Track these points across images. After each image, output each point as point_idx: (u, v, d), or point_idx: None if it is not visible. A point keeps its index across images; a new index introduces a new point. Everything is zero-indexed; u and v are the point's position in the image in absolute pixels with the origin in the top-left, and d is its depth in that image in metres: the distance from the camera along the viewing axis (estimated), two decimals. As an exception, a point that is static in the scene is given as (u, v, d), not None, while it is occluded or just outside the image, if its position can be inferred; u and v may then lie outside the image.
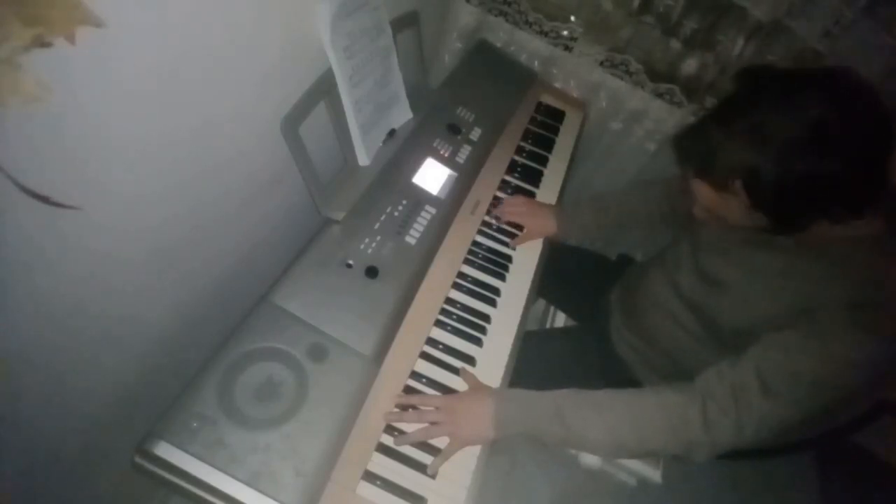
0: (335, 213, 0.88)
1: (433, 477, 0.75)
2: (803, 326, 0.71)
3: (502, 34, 1.47)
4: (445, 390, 0.84)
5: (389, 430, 0.78)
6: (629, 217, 1.13)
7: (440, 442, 0.79)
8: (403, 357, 0.84)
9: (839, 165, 0.62)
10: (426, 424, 0.77)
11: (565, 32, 1.44)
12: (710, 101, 1.42)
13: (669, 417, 0.74)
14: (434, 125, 1.11)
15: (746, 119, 0.65)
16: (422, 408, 0.79)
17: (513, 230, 1.10)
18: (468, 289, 0.98)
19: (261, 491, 0.62)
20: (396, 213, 0.94)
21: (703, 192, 0.73)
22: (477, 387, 0.84)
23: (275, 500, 0.62)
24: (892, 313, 0.68)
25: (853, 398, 0.71)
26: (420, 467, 0.76)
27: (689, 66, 1.41)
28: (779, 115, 0.63)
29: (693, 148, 0.71)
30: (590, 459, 1.08)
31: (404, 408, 0.79)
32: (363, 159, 0.96)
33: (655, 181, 1.14)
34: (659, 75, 1.43)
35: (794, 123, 0.62)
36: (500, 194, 1.15)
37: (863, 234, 0.71)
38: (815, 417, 0.72)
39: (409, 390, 0.82)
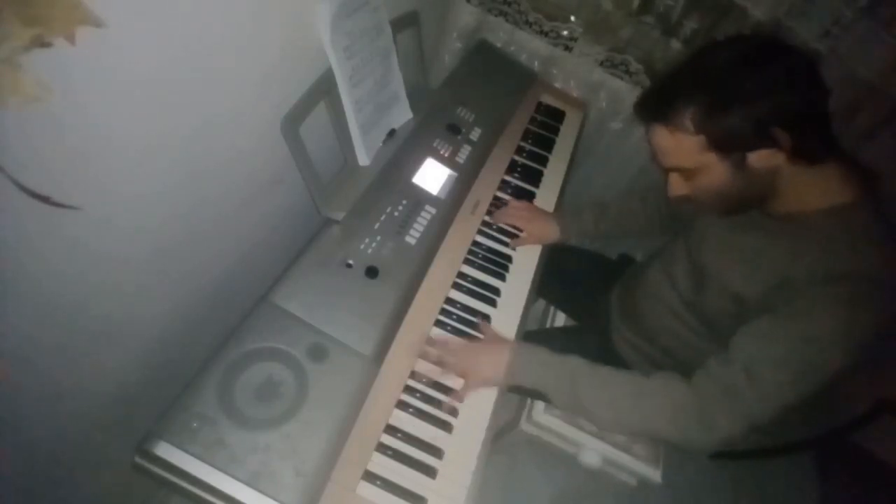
0: (335, 213, 0.88)
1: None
2: (782, 307, 0.72)
3: (502, 34, 1.47)
4: (446, 390, 0.84)
5: (389, 430, 0.78)
6: (630, 222, 1.14)
7: (440, 443, 0.79)
8: (403, 357, 0.84)
9: (768, 86, 0.68)
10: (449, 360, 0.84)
11: (565, 32, 1.44)
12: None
13: (671, 408, 0.78)
14: (434, 125, 1.11)
15: (688, 63, 0.75)
16: (444, 349, 0.86)
17: (513, 230, 1.10)
18: (468, 289, 0.98)
19: (261, 491, 0.62)
20: (396, 213, 0.94)
21: (659, 141, 0.77)
22: (495, 336, 0.91)
23: (275, 500, 0.62)
24: (870, 283, 0.69)
25: (846, 376, 0.71)
26: (420, 467, 0.76)
27: (689, 66, 1.41)
28: (713, 53, 0.72)
29: (647, 99, 0.79)
30: (590, 459, 1.09)
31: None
32: (363, 159, 0.96)
33: (656, 187, 1.14)
34: (659, 75, 1.43)
35: (725, 54, 0.71)
36: (500, 194, 1.15)
37: (837, 205, 0.73)
38: (813, 404, 0.73)
39: (409, 390, 0.82)
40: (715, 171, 0.74)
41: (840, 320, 0.69)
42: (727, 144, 0.72)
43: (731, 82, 0.69)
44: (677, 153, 0.75)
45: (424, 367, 0.86)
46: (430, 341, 0.87)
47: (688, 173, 0.77)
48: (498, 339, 0.91)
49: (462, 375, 0.85)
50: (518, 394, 1.11)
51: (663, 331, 0.96)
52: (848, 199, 0.73)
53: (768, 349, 0.72)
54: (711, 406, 0.75)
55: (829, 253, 0.71)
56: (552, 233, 1.11)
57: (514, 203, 1.12)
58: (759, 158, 0.71)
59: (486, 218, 1.10)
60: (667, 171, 0.80)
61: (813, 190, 0.74)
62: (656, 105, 0.76)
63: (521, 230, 1.10)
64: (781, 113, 0.68)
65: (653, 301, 0.98)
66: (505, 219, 1.09)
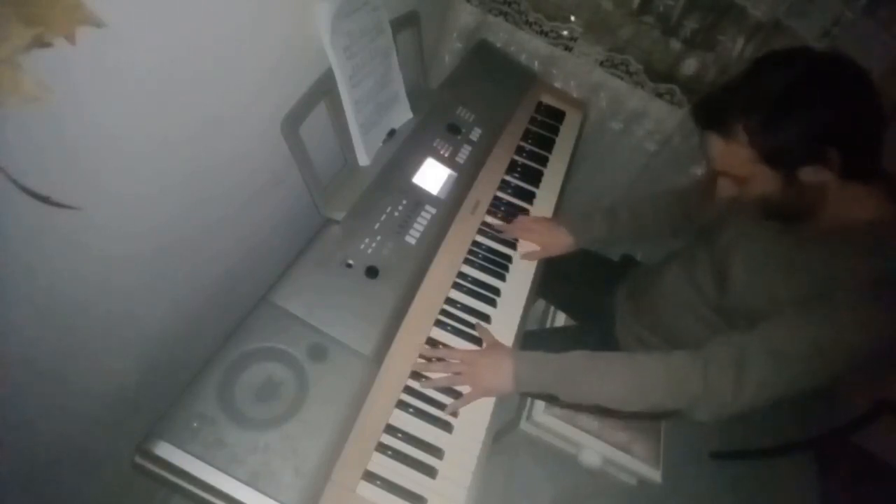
0: (335, 213, 0.88)
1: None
2: (818, 301, 0.74)
3: (502, 34, 1.47)
4: (446, 390, 0.84)
5: (389, 430, 0.78)
6: (642, 227, 1.14)
7: (440, 443, 0.79)
8: (403, 357, 0.84)
9: (826, 107, 0.69)
10: (450, 374, 0.84)
11: (565, 32, 1.44)
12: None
13: (672, 374, 0.80)
14: (434, 125, 1.11)
15: (747, 75, 0.75)
16: (447, 359, 0.86)
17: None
18: (468, 289, 0.98)
19: (261, 491, 0.62)
20: (396, 213, 0.94)
21: (713, 147, 0.78)
22: (495, 344, 0.91)
23: (275, 500, 0.62)
24: None
25: (852, 397, 0.72)
26: (420, 467, 0.76)
27: (689, 66, 1.41)
28: (772, 70, 0.73)
29: (706, 106, 0.79)
30: (590, 459, 1.09)
31: (429, 360, 0.86)
32: (363, 159, 0.96)
33: (666, 192, 1.15)
34: (659, 75, 1.43)
35: (785, 73, 0.72)
36: (500, 194, 1.15)
37: (873, 218, 0.74)
38: (812, 404, 0.74)
39: (409, 390, 0.82)
40: (764, 181, 0.75)
41: (877, 318, 0.70)
42: (778, 159, 0.73)
43: (786, 100, 0.70)
44: (729, 161, 0.77)
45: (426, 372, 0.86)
46: (429, 352, 0.87)
47: (737, 179, 0.78)
48: (498, 347, 0.91)
49: (464, 385, 0.85)
50: (522, 395, 1.11)
51: (683, 329, 0.97)
52: (883, 214, 0.74)
53: (795, 328, 0.74)
54: (717, 371, 0.76)
55: (875, 256, 0.72)
56: (566, 243, 1.11)
57: (523, 218, 1.11)
58: (808, 173, 0.72)
59: (486, 218, 1.10)
60: (717, 174, 0.81)
61: (859, 204, 0.75)
62: (713, 114, 0.77)
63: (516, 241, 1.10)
64: (833, 132, 0.69)
65: (672, 304, 0.98)
66: (516, 235, 1.09)
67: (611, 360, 0.85)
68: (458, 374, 0.85)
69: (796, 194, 0.75)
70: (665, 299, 1.00)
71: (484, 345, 0.92)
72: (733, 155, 0.75)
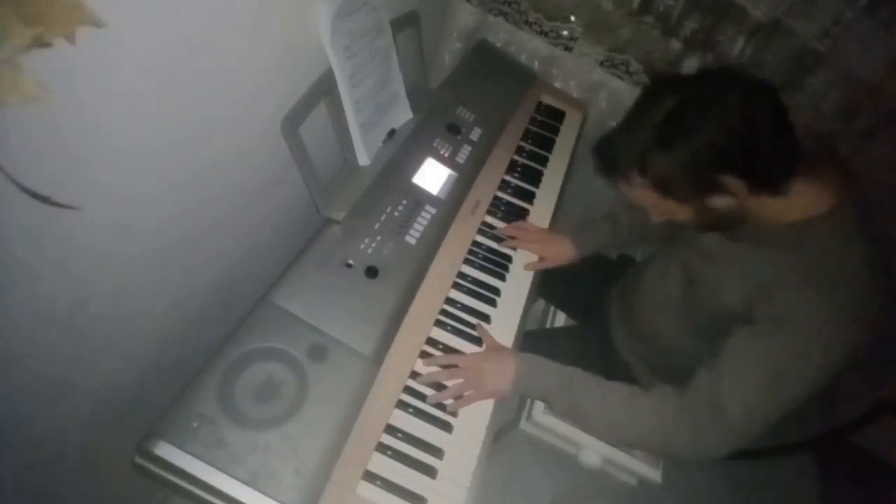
0: (335, 213, 0.88)
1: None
2: (762, 316, 0.73)
3: (502, 34, 1.47)
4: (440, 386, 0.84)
5: (389, 430, 0.78)
6: (642, 231, 1.14)
7: (440, 443, 0.79)
8: (403, 357, 0.84)
9: (705, 138, 0.68)
10: (457, 380, 0.84)
11: (565, 32, 1.44)
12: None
13: (662, 423, 0.79)
14: (434, 125, 1.11)
15: (630, 118, 0.76)
16: (449, 365, 0.86)
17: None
18: (468, 289, 0.98)
19: (261, 491, 0.62)
20: (396, 213, 0.94)
21: (621, 190, 0.80)
22: (495, 346, 0.91)
23: (275, 500, 0.62)
24: (851, 290, 0.69)
25: (852, 397, 0.72)
26: (420, 467, 0.76)
27: (689, 66, 1.41)
28: (648, 107, 0.73)
29: (598, 154, 0.81)
30: (590, 459, 1.08)
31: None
32: (363, 159, 0.96)
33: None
34: (659, 75, 1.43)
35: (659, 110, 0.71)
36: (500, 194, 1.15)
37: (812, 215, 0.73)
38: (813, 415, 0.73)
39: (409, 390, 0.82)
40: (679, 211, 0.78)
41: (819, 327, 0.69)
42: (680, 195, 0.74)
43: (670, 140, 0.70)
44: (640, 199, 0.79)
45: (425, 368, 0.86)
46: (430, 360, 0.86)
47: (655, 211, 0.80)
48: (499, 349, 0.91)
49: (468, 389, 0.85)
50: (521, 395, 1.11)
51: (657, 333, 0.96)
52: (823, 209, 0.73)
53: (752, 368, 0.72)
54: (703, 426, 0.75)
55: (809, 261, 0.71)
56: (570, 253, 1.10)
57: (525, 227, 1.11)
58: (715, 201, 0.73)
59: (486, 218, 1.10)
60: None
61: (783, 207, 0.74)
62: (606, 162, 0.79)
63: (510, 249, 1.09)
64: (721, 158, 0.69)
65: (648, 302, 0.99)
66: (521, 248, 1.08)
67: (609, 389, 0.84)
68: (461, 379, 0.84)
69: (715, 215, 0.76)
70: (642, 299, 1.01)
71: (484, 346, 0.92)
72: (640, 194, 0.77)
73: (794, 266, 0.72)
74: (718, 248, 0.85)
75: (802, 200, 0.73)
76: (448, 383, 0.84)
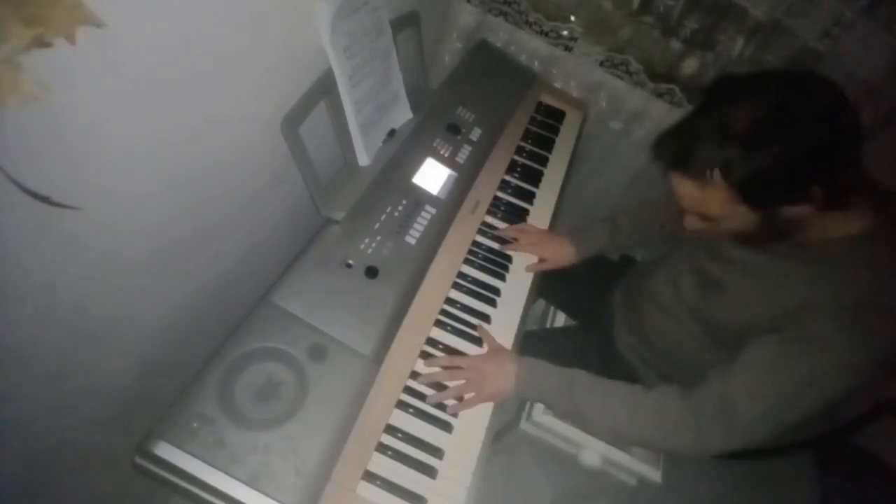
0: (335, 213, 0.88)
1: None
2: (792, 329, 0.72)
3: (502, 34, 1.47)
4: (446, 390, 0.84)
5: (389, 430, 0.78)
6: (642, 235, 1.13)
7: (440, 443, 0.79)
8: (403, 357, 0.84)
9: (805, 141, 0.64)
10: (459, 382, 0.84)
11: (565, 32, 1.44)
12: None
13: (664, 420, 0.79)
14: (434, 125, 1.11)
15: (711, 110, 0.69)
16: (451, 366, 0.86)
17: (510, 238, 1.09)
18: (468, 289, 0.98)
19: (261, 491, 0.62)
20: (396, 213, 0.94)
21: (685, 189, 0.73)
22: (497, 348, 0.91)
23: (275, 500, 0.62)
24: (885, 311, 0.68)
25: (852, 399, 0.71)
26: (420, 467, 0.76)
27: (689, 66, 1.41)
28: (742, 103, 0.67)
29: (671, 146, 0.73)
30: (590, 459, 1.08)
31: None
32: (363, 159, 0.96)
33: (665, 199, 1.14)
34: (659, 75, 1.43)
35: (757, 107, 0.65)
36: (500, 194, 1.15)
37: (854, 234, 0.72)
38: (815, 419, 0.73)
39: (409, 391, 0.82)
40: (742, 219, 0.72)
41: (854, 347, 0.68)
42: (763, 201, 0.69)
43: (765, 141, 0.65)
44: (704, 202, 0.72)
45: (425, 368, 0.86)
46: (431, 361, 0.86)
47: (710, 217, 0.74)
48: (501, 351, 0.91)
49: (469, 391, 0.85)
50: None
51: (663, 336, 0.96)
52: (867, 228, 0.72)
53: (775, 375, 0.72)
54: (707, 422, 0.75)
55: (848, 283, 0.70)
56: (569, 255, 1.10)
57: (524, 227, 1.11)
58: (790, 210, 0.69)
59: (486, 218, 1.10)
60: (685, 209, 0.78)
61: (835, 224, 0.73)
62: (681, 155, 0.71)
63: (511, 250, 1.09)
64: (815, 166, 0.66)
65: (655, 305, 0.98)
66: (521, 250, 1.08)
67: (610, 389, 0.84)
68: (461, 382, 0.84)
69: (774, 226, 0.72)
70: (649, 302, 1.00)
71: (485, 346, 0.92)
72: (708, 196, 0.71)
73: (831, 288, 0.71)
74: (747, 259, 0.82)
75: (852, 218, 0.72)
76: (449, 384, 0.84)
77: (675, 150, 0.72)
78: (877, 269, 0.70)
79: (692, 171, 0.70)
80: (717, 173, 0.67)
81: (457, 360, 0.87)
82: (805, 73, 0.70)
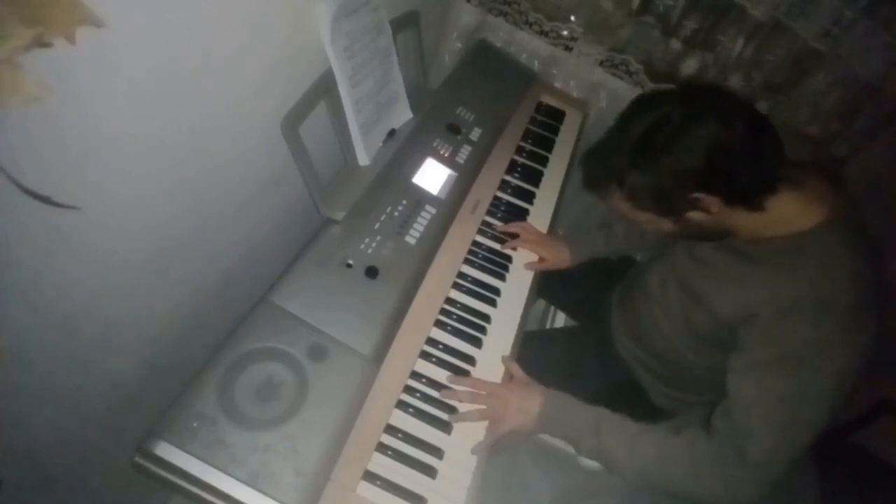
0: (335, 213, 0.88)
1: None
2: (769, 358, 0.72)
3: (502, 34, 1.47)
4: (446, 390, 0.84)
5: (389, 430, 0.78)
6: (638, 241, 1.14)
7: (440, 443, 0.79)
8: (403, 357, 0.84)
9: (684, 154, 0.70)
10: (479, 406, 0.83)
11: (565, 32, 1.44)
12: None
13: (695, 470, 0.75)
14: (434, 125, 1.11)
15: (609, 134, 0.78)
16: (475, 390, 0.84)
17: (507, 237, 1.09)
18: (468, 289, 0.98)
19: (261, 491, 0.62)
20: (396, 213, 0.94)
21: (605, 201, 0.82)
22: (525, 381, 0.89)
23: (275, 500, 0.62)
24: (847, 306, 0.68)
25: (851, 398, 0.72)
26: (420, 467, 0.76)
27: (689, 66, 1.41)
28: (634, 119, 0.74)
29: (585, 168, 0.83)
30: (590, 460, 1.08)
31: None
32: (363, 159, 0.96)
33: None
34: (659, 75, 1.43)
35: (644, 123, 0.72)
36: (500, 194, 1.15)
37: (802, 230, 0.73)
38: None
39: (409, 391, 0.82)
40: (658, 223, 0.79)
41: (826, 358, 0.69)
42: (659, 210, 0.76)
43: (643, 158, 0.72)
44: (622, 212, 0.81)
45: (425, 368, 0.86)
46: (456, 380, 0.85)
47: (637, 223, 0.81)
48: (528, 385, 0.88)
49: (489, 419, 0.83)
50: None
51: (658, 335, 0.96)
52: (808, 224, 0.72)
53: (764, 408, 0.71)
54: (734, 475, 0.73)
55: (793, 287, 0.71)
56: (565, 259, 1.11)
57: (525, 229, 1.11)
58: (692, 215, 0.75)
59: (487, 218, 1.10)
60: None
61: (763, 222, 0.74)
62: (589, 176, 0.81)
63: (514, 235, 1.10)
64: (696, 180, 0.71)
65: (649, 304, 0.98)
66: (522, 246, 1.08)
67: (639, 433, 0.80)
68: (484, 409, 0.82)
69: (697, 227, 0.77)
70: (643, 301, 1.00)
71: (510, 377, 0.89)
72: (621, 208, 0.79)
73: (784, 289, 0.72)
74: (711, 257, 0.85)
75: (784, 216, 0.74)
76: (467, 406, 0.83)
77: (587, 169, 0.82)
78: (823, 269, 0.70)
79: (597, 189, 0.80)
80: (614, 190, 0.77)
81: (482, 385, 0.85)
82: (700, 88, 0.78)
